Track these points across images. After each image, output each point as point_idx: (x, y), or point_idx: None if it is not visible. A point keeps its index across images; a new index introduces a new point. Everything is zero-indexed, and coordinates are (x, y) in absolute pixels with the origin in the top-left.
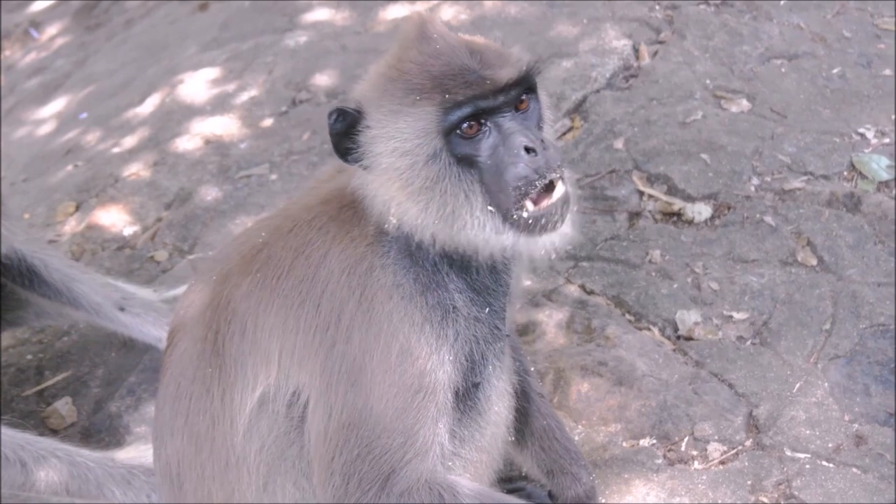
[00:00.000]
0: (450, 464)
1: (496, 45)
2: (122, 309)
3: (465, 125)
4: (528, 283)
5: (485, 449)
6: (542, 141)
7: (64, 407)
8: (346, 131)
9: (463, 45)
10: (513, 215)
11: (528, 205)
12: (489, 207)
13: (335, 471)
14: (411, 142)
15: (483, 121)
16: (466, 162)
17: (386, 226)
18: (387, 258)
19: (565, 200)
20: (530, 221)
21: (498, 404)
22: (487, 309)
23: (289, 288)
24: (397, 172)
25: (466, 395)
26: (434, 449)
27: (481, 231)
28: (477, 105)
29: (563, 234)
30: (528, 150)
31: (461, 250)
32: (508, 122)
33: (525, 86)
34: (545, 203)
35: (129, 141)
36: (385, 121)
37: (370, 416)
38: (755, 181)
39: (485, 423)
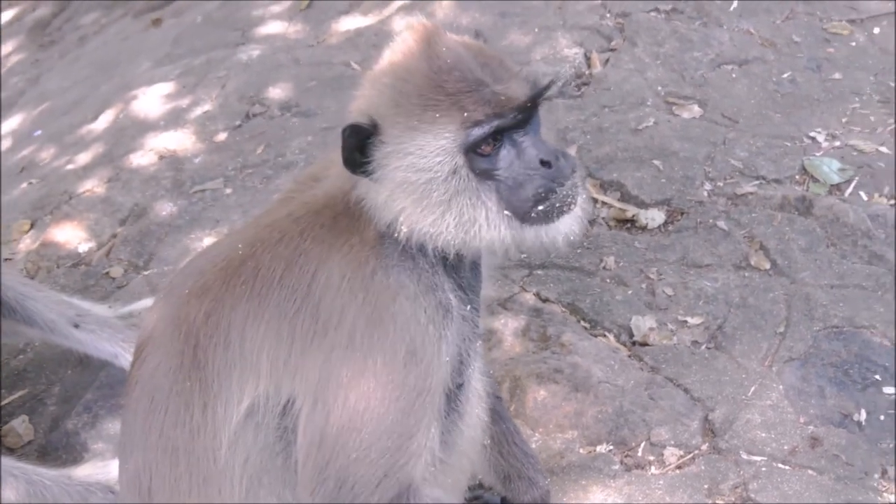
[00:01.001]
0: (433, 469)
1: (495, 52)
2: (76, 326)
3: (485, 144)
4: (483, 292)
5: (464, 453)
6: (554, 151)
7: (21, 425)
8: (358, 146)
9: (472, 57)
10: (530, 214)
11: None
12: (505, 212)
13: (329, 476)
14: (430, 159)
15: (500, 137)
16: (484, 175)
17: (395, 234)
18: (389, 261)
19: (574, 183)
20: (546, 210)
21: (477, 406)
22: (469, 306)
23: (282, 298)
24: (413, 186)
25: (449, 398)
26: (425, 454)
27: (498, 233)
28: (497, 124)
29: (577, 215)
30: (543, 162)
31: (472, 252)
32: (521, 135)
33: (539, 103)
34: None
35: (84, 157)
36: (402, 137)
37: (372, 418)
38: (708, 186)
39: (465, 426)
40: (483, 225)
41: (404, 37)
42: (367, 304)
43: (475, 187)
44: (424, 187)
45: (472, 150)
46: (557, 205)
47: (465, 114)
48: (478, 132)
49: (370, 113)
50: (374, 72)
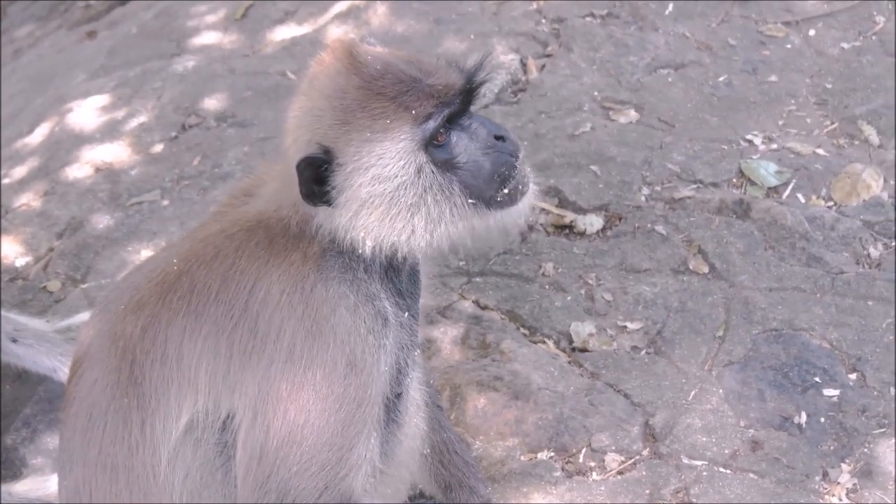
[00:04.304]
0: (372, 480)
1: (409, 52)
2: (14, 340)
3: (439, 134)
4: (421, 300)
5: (403, 463)
6: (501, 126)
7: None
8: (314, 177)
9: (395, 59)
10: (495, 199)
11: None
12: (470, 200)
13: (270, 490)
14: (394, 164)
15: (448, 126)
16: (446, 166)
17: (345, 249)
18: (330, 273)
19: (523, 160)
20: (509, 193)
21: (416, 416)
22: (407, 313)
23: (219, 313)
24: (381, 198)
25: (388, 407)
26: (365, 466)
27: (467, 224)
28: (447, 112)
29: (534, 189)
30: (497, 137)
31: (433, 253)
32: (467, 119)
33: (479, 84)
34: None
35: (19, 171)
36: (360, 152)
37: (312, 431)
38: (645, 191)
39: (403, 435)
40: (450, 220)
41: (321, 59)
42: (307, 317)
43: (440, 181)
44: (392, 195)
45: (430, 144)
46: (519, 186)
47: (413, 111)
48: (431, 124)
49: (317, 140)
50: (301, 100)
